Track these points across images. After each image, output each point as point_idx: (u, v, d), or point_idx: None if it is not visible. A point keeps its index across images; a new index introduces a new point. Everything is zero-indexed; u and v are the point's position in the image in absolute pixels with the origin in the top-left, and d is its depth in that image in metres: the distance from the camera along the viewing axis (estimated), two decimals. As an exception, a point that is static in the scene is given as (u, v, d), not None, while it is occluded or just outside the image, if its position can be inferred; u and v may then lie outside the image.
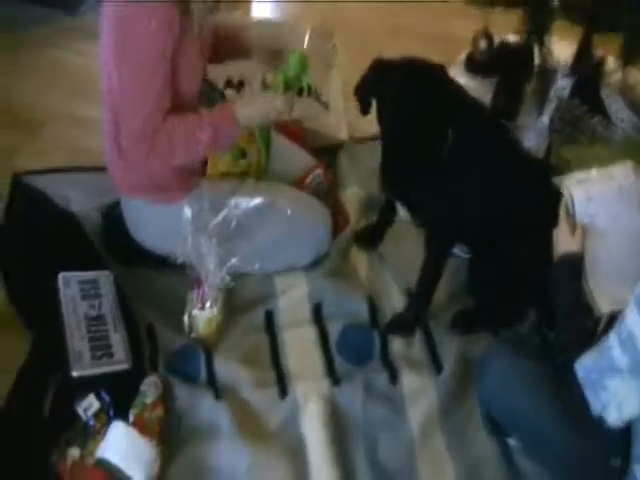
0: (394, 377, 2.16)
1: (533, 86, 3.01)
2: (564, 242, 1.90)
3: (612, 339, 1.57)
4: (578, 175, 1.95)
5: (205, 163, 2.24)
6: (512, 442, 2.04)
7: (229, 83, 2.69)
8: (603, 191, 1.89)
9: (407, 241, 2.48)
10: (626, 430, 1.63)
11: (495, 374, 1.95)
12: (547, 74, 3.01)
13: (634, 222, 1.88)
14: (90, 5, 3.60)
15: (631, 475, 1.64)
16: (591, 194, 1.89)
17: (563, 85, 2.99)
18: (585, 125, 2.95)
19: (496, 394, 1.95)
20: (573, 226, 1.89)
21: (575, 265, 1.86)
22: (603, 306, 1.83)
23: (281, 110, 2.06)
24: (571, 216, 1.90)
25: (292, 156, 2.54)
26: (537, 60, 2.99)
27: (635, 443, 1.62)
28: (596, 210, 1.88)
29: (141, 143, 1.94)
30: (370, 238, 2.54)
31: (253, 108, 2.10)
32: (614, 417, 1.60)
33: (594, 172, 1.93)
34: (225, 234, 2.07)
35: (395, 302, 2.38)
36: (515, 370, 1.91)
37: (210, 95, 2.27)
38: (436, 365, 2.21)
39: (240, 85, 2.71)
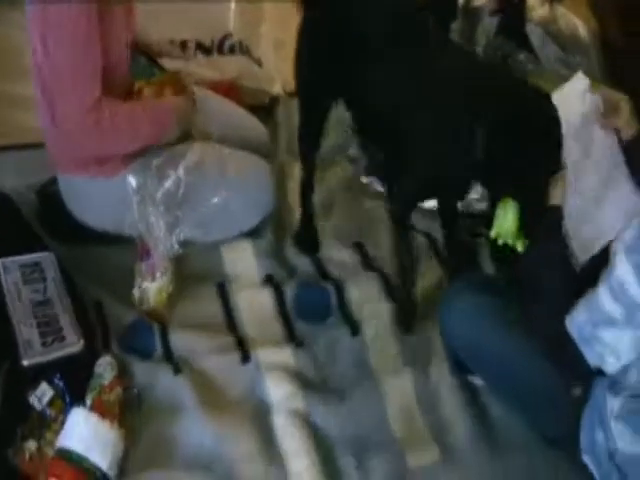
0: (355, 330, 2.14)
1: (459, 26, 3.00)
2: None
3: (602, 291, 1.55)
4: None
5: None
6: (477, 381, 2.04)
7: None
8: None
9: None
10: (585, 361, 1.62)
11: (460, 309, 1.92)
12: (472, 13, 3.00)
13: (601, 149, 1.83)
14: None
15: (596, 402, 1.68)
16: None
17: (489, 23, 2.98)
18: (515, 62, 2.95)
19: (461, 330, 1.92)
20: None
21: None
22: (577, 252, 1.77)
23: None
24: None
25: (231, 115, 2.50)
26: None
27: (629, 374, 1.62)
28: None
29: (85, 117, 1.89)
30: (311, 241, 2.43)
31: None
32: (613, 366, 1.58)
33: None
34: (173, 201, 1.99)
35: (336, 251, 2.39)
36: (480, 306, 1.89)
37: (146, 68, 2.23)
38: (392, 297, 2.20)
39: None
